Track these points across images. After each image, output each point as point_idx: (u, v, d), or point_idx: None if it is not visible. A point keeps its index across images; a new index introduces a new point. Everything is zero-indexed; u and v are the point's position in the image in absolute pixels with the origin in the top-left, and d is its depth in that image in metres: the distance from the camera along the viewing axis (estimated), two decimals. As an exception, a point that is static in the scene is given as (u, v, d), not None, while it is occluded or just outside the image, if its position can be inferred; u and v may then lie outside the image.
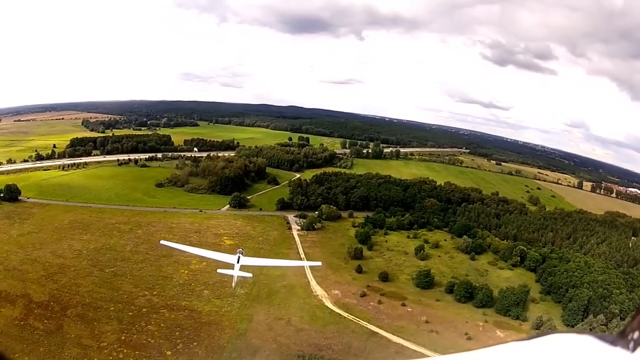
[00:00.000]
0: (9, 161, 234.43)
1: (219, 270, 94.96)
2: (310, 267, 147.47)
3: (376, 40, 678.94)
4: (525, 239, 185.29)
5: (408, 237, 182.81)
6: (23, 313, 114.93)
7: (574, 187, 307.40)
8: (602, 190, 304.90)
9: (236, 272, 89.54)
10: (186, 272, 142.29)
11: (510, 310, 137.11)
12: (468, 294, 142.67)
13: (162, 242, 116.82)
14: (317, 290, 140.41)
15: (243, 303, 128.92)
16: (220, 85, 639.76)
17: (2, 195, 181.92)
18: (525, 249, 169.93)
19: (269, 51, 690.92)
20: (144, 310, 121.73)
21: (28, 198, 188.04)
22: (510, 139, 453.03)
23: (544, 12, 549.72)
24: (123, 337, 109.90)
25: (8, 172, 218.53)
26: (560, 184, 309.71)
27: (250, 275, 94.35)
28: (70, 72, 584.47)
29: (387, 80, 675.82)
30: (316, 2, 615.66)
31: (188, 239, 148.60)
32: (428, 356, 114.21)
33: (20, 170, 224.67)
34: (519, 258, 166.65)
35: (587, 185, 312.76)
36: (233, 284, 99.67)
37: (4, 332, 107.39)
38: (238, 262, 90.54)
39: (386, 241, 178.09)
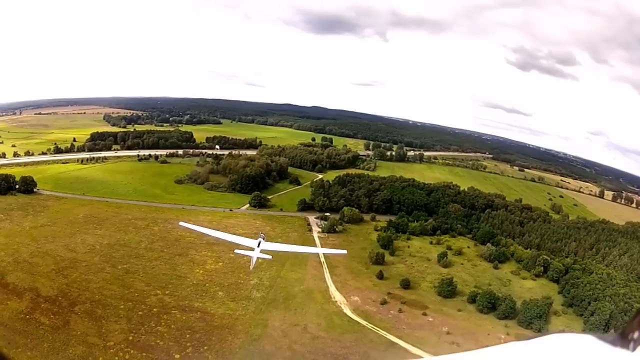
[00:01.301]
0: (27, 153, 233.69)
1: (236, 251, 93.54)
2: (330, 271, 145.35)
3: (400, 42, 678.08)
4: (549, 248, 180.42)
5: (431, 242, 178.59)
6: (29, 307, 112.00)
7: (595, 195, 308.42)
8: (622, 200, 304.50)
9: (256, 254, 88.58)
10: (201, 272, 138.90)
11: (532, 322, 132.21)
12: (490, 304, 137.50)
13: (181, 223, 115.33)
14: (336, 296, 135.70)
15: (258, 307, 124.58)
16: (243, 84, 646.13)
17: (17, 186, 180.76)
18: (548, 258, 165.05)
19: (292, 50, 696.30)
20: (154, 310, 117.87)
21: (38, 189, 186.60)
22: (533, 146, 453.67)
23: (566, 17, 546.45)
24: (131, 337, 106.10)
25: (25, 164, 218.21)
26: (582, 192, 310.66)
27: (270, 257, 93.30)
28: (94, 68, 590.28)
29: (411, 83, 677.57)
30: (341, 2, 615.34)
31: (205, 237, 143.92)
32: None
33: (38, 163, 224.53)
34: (542, 268, 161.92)
35: (608, 194, 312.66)
36: (251, 267, 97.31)
37: (8, 326, 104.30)
38: (259, 247, 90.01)
39: (408, 246, 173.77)
